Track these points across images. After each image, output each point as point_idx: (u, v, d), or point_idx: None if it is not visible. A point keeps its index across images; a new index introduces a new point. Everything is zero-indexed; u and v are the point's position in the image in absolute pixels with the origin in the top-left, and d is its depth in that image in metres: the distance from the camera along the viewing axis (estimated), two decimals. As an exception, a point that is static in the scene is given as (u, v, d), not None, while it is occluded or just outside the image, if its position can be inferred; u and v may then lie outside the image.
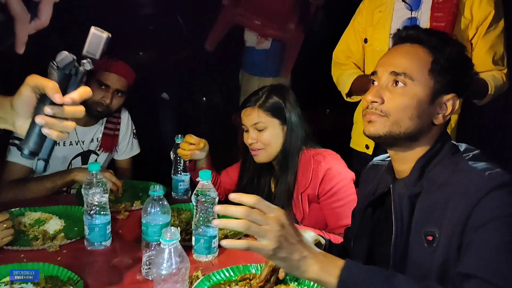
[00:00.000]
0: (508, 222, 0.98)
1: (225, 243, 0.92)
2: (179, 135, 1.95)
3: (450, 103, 1.14)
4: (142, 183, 2.05)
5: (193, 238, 1.41)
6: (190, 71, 3.79)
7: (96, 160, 2.20)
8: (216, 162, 1.96)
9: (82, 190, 1.46)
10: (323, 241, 1.30)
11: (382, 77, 1.16)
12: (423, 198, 1.11)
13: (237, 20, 3.41)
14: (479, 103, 1.97)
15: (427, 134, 1.15)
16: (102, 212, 1.45)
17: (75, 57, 0.85)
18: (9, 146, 1.99)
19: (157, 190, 1.30)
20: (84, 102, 0.90)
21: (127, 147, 2.33)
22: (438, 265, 1.04)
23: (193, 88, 4.07)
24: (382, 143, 1.19)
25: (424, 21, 1.92)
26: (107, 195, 1.47)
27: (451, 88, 1.14)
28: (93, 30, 0.85)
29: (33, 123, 0.87)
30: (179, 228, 1.11)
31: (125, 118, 2.30)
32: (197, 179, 1.43)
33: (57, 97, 0.84)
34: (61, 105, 0.86)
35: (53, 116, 0.86)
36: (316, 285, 1.21)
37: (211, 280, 1.26)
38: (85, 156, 2.17)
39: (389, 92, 1.14)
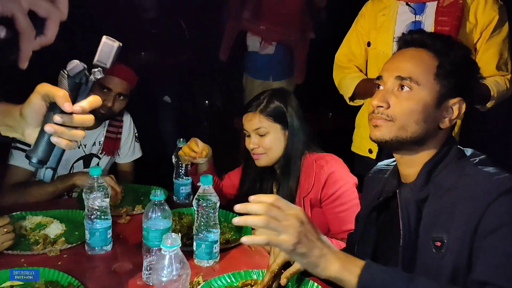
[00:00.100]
0: None
1: (245, 239, 0.93)
2: (181, 139, 1.94)
3: (456, 107, 1.14)
4: (143, 187, 2.05)
5: (194, 243, 1.40)
6: (192, 74, 3.80)
7: (98, 164, 2.19)
8: (218, 165, 1.95)
9: (83, 194, 1.45)
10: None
11: (387, 81, 1.16)
12: (430, 203, 1.10)
13: (244, 26, 3.42)
14: (482, 109, 1.95)
15: (433, 138, 1.15)
16: (103, 217, 1.45)
17: (85, 66, 0.86)
18: (11, 149, 1.99)
19: (158, 195, 1.29)
20: None
21: (129, 151, 2.32)
22: (447, 271, 1.03)
23: (195, 91, 4.08)
24: (388, 148, 1.19)
25: (429, 25, 1.91)
26: (108, 200, 1.46)
27: (457, 92, 1.13)
28: (104, 39, 0.85)
29: (42, 132, 0.87)
30: (179, 233, 1.11)
31: (127, 122, 2.29)
32: (198, 184, 1.42)
33: (67, 106, 0.85)
34: (71, 113, 0.86)
35: (62, 125, 0.86)
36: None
37: (212, 286, 1.25)
38: (87, 159, 2.16)
39: (394, 97, 1.14)
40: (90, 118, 0.89)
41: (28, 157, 0.88)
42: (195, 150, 1.81)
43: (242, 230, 1.63)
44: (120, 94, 2.08)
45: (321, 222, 1.74)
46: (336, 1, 3.60)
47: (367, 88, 2.01)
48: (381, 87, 1.18)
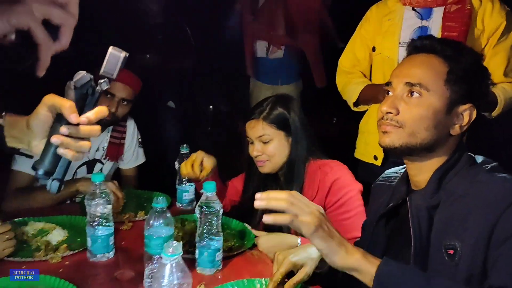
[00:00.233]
0: None
1: (266, 217, 0.93)
2: (184, 145, 1.93)
3: (467, 113, 1.13)
4: (146, 192, 2.04)
5: (197, 251, 1.38)
6: (196, 80, 3.79)
7: (101, 169, 2.18)
8: (223, 171, 1.93)
9: (85, 200, 1.44)
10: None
11: (397, 87, 1.15)
12: (441, 210, 1.09)
13: (259, 35, 3.42)
14: (489, 117, 1.92)
15: (444, 145, 1.13)
16: (105, 223, 1.43)
17: (92, 77, 0.85)
18: (14, 155, 1.99)
19: (160, 202, 1.27)
20: None
21: (133, 156, 2.31)
22: (461, 278, 1.02)
23: (199, 96, 4.07)
24: (398, 154, 1.17)
25: (436, 31, 1.89)
26: (110, 206, 1.45)
27: (468, 98, 1.12)
28: (111, 49, 0.85)
29: (48, 143, 0.87)
30: (182, 241, 1.09)
31: (131, 127, 2.29)
32: (201, 191, 1.40)
33: (73, 117, 0.85)
34: (77, 124, 0.86)
35: (68, 136, 0.86)
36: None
37: (214, 295, 1.23)
38: (90, 165, 2.16)
39: (404, 103, 1.13)
40: (96, 129, 0.88)
41: (34, 168, 0.88)
42: (195, 170, 1.76)
43: (245, 238, 1.62)
44: (124, 100, 2.08)
45: (325, 229, 1.71)
46: (340, 5, 3.60)
47: (371, 93, 1.99)
48: (390, 93, 1.17)
